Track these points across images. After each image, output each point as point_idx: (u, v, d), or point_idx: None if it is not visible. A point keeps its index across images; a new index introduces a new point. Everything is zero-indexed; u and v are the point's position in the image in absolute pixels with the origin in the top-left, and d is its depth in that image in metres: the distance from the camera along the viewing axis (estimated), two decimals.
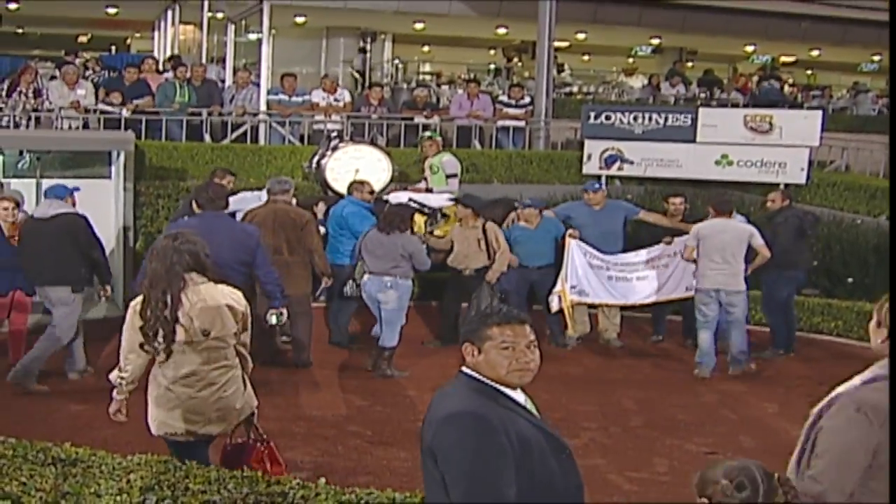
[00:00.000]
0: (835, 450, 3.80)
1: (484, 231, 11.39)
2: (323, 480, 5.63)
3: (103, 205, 11.67)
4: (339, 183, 12.61)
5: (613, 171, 15.66)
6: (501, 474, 3.64)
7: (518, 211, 11.93)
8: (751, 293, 11.81)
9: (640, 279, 11.70)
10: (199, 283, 5.88)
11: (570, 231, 11.59)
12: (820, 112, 16.50)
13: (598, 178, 15.47)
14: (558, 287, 11.47)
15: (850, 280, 12.48)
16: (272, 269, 8.94)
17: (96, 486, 5.09)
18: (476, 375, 3.92)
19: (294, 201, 10.78)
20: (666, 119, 15.67)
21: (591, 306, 11.88)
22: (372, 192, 11.63)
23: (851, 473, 3.76)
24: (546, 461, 3.81)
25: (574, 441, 8.57)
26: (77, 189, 9.99)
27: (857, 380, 3.93)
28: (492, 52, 31.25)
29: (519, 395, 3.94)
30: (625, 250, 11.88)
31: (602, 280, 11.59)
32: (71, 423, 8.37)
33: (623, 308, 12.03)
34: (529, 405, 3.98)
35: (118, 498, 4.94)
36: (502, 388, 3.89)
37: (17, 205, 9.94)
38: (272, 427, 8.51)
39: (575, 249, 11.53)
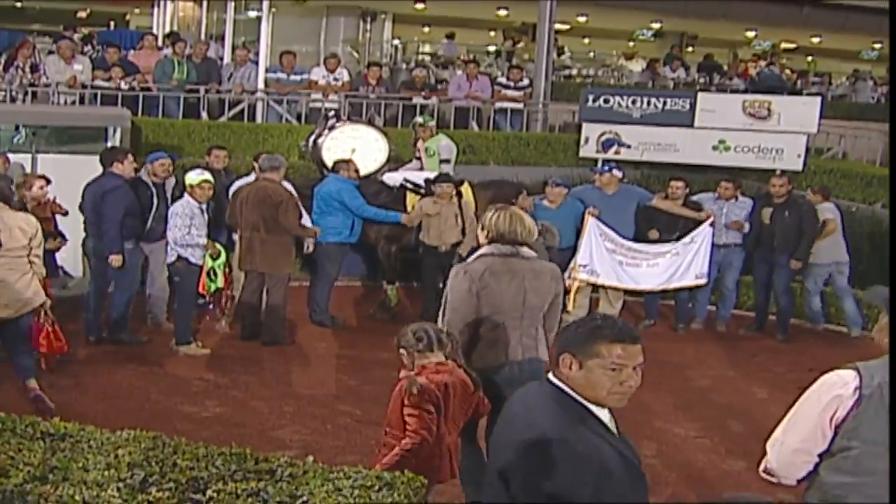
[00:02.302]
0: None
1: (460, 206, 11.47)
2: (311, 458, 5.65)
3: None
4: None
5: (610, 154, 15.61)
6: None
7: (547, 189, 11.93)
8: (744, 279, 11.91)
9: (651, 266, 11.64)
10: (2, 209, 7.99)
11: (590, 209, 11.51)
12: (819, 99, 16.51)
13: (595, 161, 15.48)
14: (572, 265, 11.46)
15: None
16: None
17: (84, 460, 5.10)
18: (567, 390, 3.64)
19: (281, 180, 10.72)
20: (664, 103, 15.65)
21: (593, 289, 11.85)
22: (357, 170, 11.65)
23: None
24: (622, 493, 3.54)
25: None
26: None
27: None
28: (492, 33, 31.20)
29: (605, 414, 3.68)
30: (635, 237, 11.82)
31: (613, 263, 11.54)
32: (60, 398, 8.38)
33: (626, 293, 12.02)
34: (612, 425, 3.71)
35: (106, 473, 4.95)
36: (593, 409, 3.63)
37: (48, 182, 9.86)
38: (261, 406, 8.58)
39: (593, 228, 11.43)
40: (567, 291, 11.44)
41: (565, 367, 3.63)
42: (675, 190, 11.93)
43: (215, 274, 9.97)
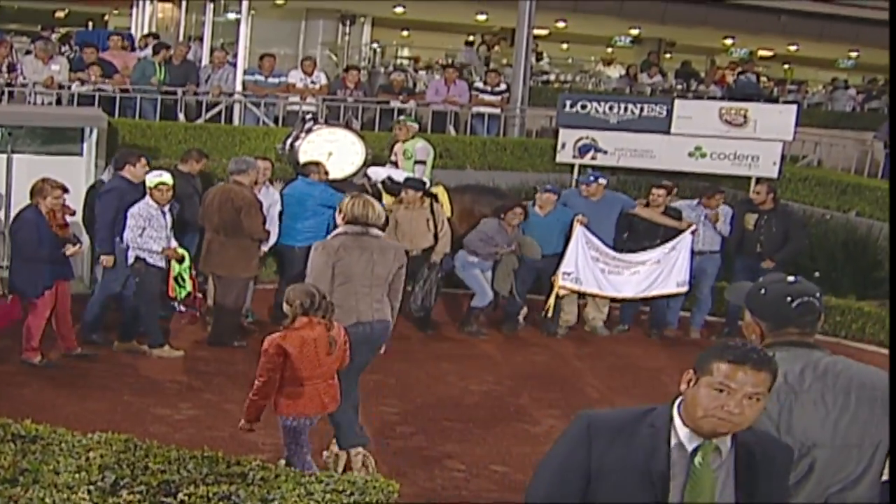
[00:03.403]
0: None
1: (432, 211, 11.52)
2: (283, 462, 5.67)
3: (75, 181, 11.46)
4: None
5: (587, 160, 15.64)
6: None
7: (536, 195, 12.00)
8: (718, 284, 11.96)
9: (633, 274, 11.69)
10: None
11: (578, 217, 11.55)
12: (795, 107, 16.58)
13: (572, 167, 15.53)
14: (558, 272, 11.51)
15: (816, 274, 12.54)
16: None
17: (55, 463, 5.09)
18: (673, 409, 3.51)
19: (255, 182, 10.70)
20: (641, 109, 15.68)
21: (580, 296, 11.89)
22: (327, 172, 11.63)
23: None
24: None
25: (536, 428, 8.69)
26: None
27: None
28: (471, 37, 31.26)
29: (693, 442, 3.44)
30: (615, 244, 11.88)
31: (596, 271, 11.58)
32: (33, 400, 8.37)
33: (612, 300, 12.08)
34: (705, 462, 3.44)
35: (77, 475, 4.95)
36: (681, 435, 3.45)
37: (65, 191, 9.68)
38: (234, 409, 8.55)
39: (580, 237, 11.48)
40: (549, 297, 11.53)
41: (684, 382, 3.48)
42: (656, 197, 11.95)
43: (183, 279, 9.89)
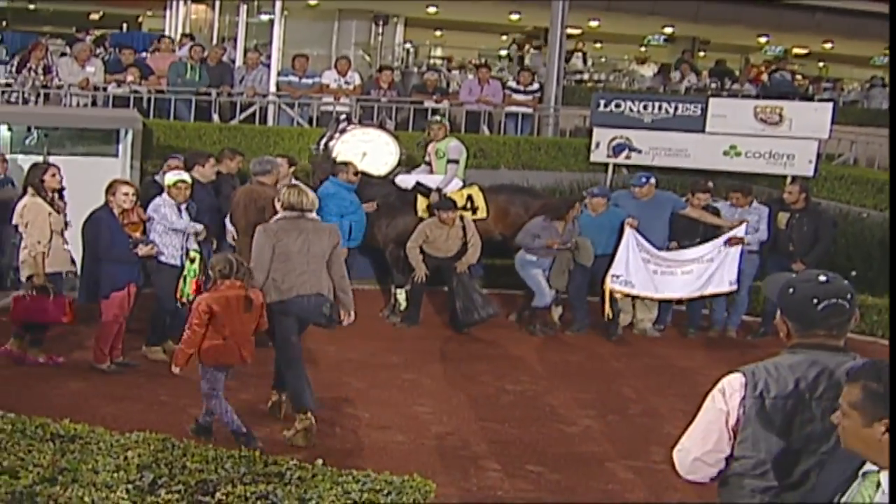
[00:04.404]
0: None
1: (463, 227, 11.59)
2: (320, 461, 5.68)
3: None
4: None
5: (621, 159, 15.63)
6: None
7: (586, 199, 11.96)
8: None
9: (686, 273, 11.61)
10: None
11: (628, 220, 11.48)
12: (830, 105, 16.45)
13: (606, 166, 15.49)
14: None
15: (853, 273, 12.43)
16: None
17: (94, 462, 5.13)
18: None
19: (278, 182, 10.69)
20: (676, 108, 15.64)
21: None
22: (357, 173, 11.62)
23: None
24: None
25: (571, 428, 8.66)
26: None
27: None
28: (504, 37, 31.19)
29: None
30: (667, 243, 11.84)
31: (649, 273, 11.51)
32: (70, 401, 8.41)
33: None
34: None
35: (115, 475, 4.98)
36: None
37: (136, 191, 9.66)
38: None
39: (631, 239, 11.41)
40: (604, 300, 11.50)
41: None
42: (700, 200, 11.83)
43: (185, 280, 9.72)
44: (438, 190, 12.07)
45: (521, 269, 11.67)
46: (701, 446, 4.03)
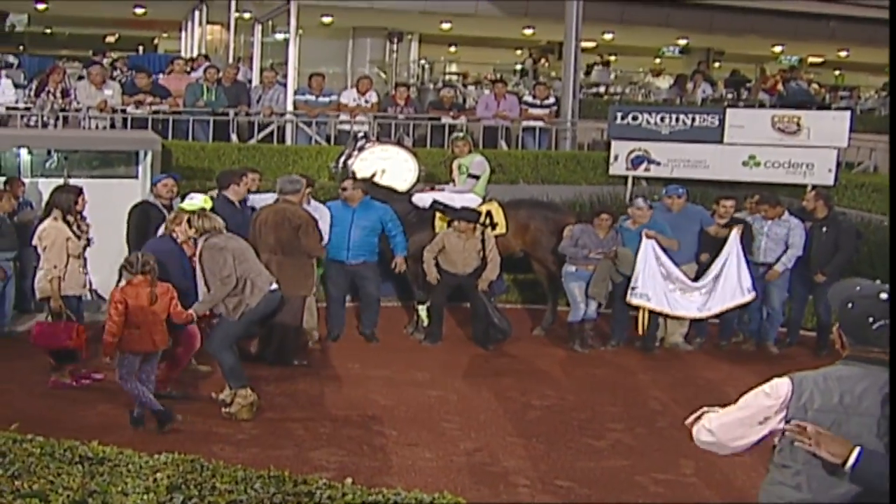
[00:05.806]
0: None
1: (482, 239, 11.49)
2: (349, 480, 5.63)
3: (130, 204, 11.65)
4: None
5: (640, 172, 15.61)
6: None
7: (629, 209, 11.83)
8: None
9: (704, 294, 11.46)
10: None
11: (646, 230, 11.35)
12: (848, 113, 16.38)
13: (625, 179, 15.46)
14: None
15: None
16: None
17: (123, 484, 5.09)
18: None
19: (302, 201, 10.69)
20: (693, 120, 15.61)
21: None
22: (365, 192, 11.57)
23: None
24: None
25: (600, 442, 8.60)
26: None
27: None
28: (518, 52, 31.23)
29: None
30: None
31: (666, 289, 11.39)
32: (98, 422, 8.40)
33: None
34: None
35: (145, 497, 4.94)
36: None
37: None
38: (296, 427, 8.58)
39: (650, 251, 11.28)
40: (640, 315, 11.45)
41: None
42: (726, 209, 11.73)
43: None
44: (464, 208, 11.98)
45: (564, 281, 11.58)
46: (726, 434, 4.15)
